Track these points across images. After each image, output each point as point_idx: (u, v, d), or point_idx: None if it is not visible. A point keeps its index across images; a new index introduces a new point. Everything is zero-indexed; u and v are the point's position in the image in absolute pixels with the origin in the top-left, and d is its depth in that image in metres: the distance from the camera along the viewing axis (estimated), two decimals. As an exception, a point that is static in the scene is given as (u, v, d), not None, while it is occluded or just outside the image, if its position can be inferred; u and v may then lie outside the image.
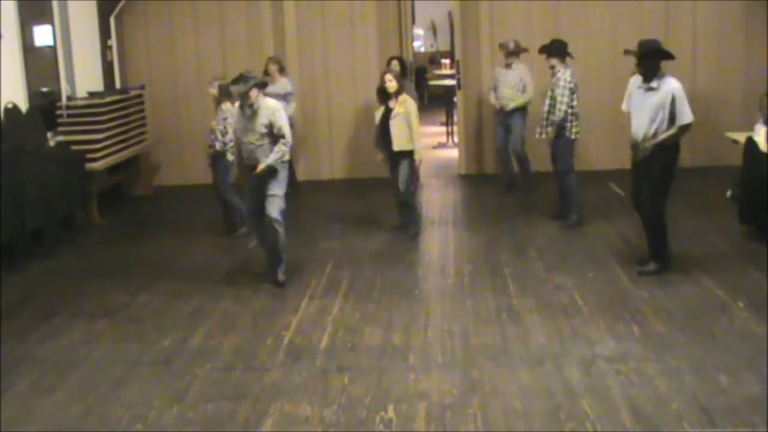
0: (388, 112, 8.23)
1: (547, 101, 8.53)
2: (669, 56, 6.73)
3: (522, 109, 10.07)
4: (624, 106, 7.13)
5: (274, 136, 6.93)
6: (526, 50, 10.00)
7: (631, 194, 7.28)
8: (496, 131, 10.45)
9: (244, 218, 8.34)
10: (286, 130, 6.97)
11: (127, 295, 7.13)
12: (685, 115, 6.69)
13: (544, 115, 8.57)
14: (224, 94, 8.23)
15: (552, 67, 8.50)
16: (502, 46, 10.11)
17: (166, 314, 6.64)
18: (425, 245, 8.43)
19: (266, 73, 9.95)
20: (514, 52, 9.99)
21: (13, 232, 7.91)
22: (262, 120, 6.90)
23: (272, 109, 6.93)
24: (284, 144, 6.95)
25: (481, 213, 9.74)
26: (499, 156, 10.68)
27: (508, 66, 10.05)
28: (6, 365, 5.68)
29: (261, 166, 6.93)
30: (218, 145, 8.44)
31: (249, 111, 6.93)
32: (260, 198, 7.06)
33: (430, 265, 7.78)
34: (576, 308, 6.36)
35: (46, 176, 8.44)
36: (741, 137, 8.66)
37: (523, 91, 9.97)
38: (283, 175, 7.07)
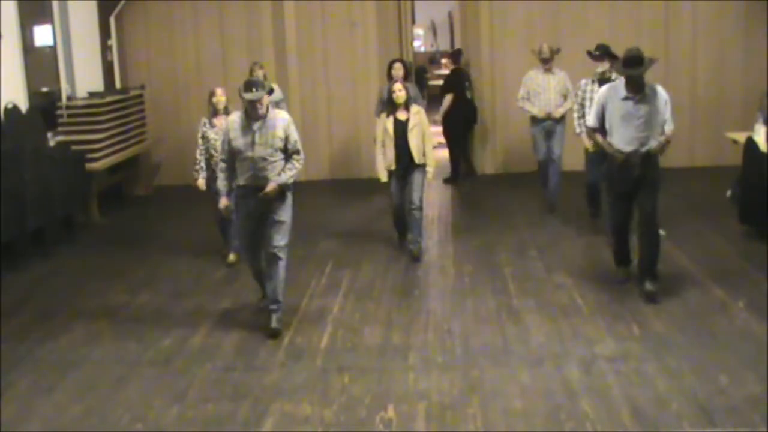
0: (400, 123, 7.66)
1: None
2: (654, 61, 6.43)
3: (563, 116, 9.23)
4: (593, 121, 6.57)
5: (286, 151, 6.10)
6: (559, 50, 9.30)
7: (619, 221, 6.65)
8: (538, 143, 9.35)
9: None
10: (300, 145, 6.17)
11: (127, 295, 7.14)
12: (672, 122, 6.46)
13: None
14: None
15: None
16: (538, 53, 9.28)
17: (166, 314, 6.64)
18: (425, 245, 8.41)
19: None
20: (551, 57, 9.17)
21: (13, 232, 7.92)
22: (278, 132, 6.01)
23: (287, 121, 6.09)
24: (300, 161, 6.14)
25: (481, 213, 9.74)
26: (543, 170, 9.48)
27: (548, 71, 9.25)
28: (6, 365, 5.67)
29: (272, 185, 6.00)
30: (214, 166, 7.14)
31: (258, 123, 5.98)
32: (258, 227, 6.15)
33: (430, 265, 7.78)
34: (576, 308, 6.36)
35: (46, 176, 8.45)
36: (741, 137, 8.66)
37: (566, 97, 9.17)
38: (291, 199, 6.20)
